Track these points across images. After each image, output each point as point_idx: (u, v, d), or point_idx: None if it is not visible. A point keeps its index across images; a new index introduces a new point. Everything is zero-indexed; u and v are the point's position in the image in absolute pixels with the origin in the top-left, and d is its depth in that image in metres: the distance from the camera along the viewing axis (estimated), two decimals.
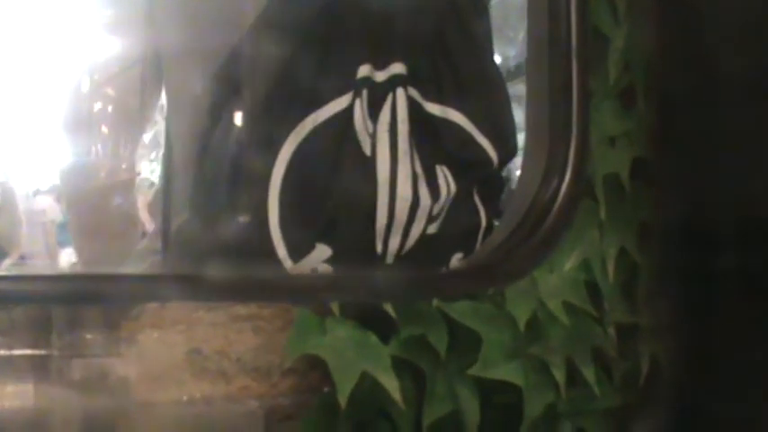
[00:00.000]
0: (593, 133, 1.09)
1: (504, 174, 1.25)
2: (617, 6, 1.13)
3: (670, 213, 1.19)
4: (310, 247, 1.13)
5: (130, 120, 1.33)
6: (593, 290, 1.10)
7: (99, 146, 1.32)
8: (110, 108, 1.32)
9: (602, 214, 1.10)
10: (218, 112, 1.19)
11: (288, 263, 1.14)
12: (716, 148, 1.20)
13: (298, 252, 1.14)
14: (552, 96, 1.10)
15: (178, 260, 1.21)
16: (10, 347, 0.86)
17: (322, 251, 1.13)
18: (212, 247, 1.14)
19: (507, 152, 1.20)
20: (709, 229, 1.20)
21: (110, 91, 1.31)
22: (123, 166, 1.35)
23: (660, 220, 1.18)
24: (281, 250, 1.14)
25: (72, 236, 1.46)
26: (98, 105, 1.32)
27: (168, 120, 1.29)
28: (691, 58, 1.21)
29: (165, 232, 1.25)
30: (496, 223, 1.23)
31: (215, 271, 1.11)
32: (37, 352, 0.86)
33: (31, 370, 0.86)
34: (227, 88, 1.18)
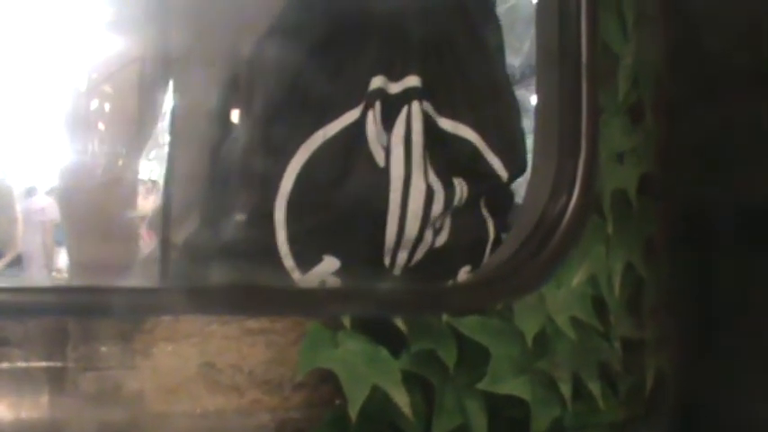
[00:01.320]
0: (602, 149, 1.10)
1: (512, 187, 1.26)
2: (626, 22, 1.13)
3: (675, 228, 1.20)
4: (318, 259, 1.14)
5: (129, 118, 1.32)
6: (599, 305, 1.11)
7: (96, 144, 1.32)
8: (107, 106, 1.31)
9: (610, 230, 1.11)
10: (229, 122, 1.19)
11: (296, 274, 1.14)
12: (722, 163, 1.21)
13: (306, 264, 1.14)
14: (562, 112, 1.11)
15: (185, 269, 1.21)
16: (25, 359, 0.86)
17: (330, 263, 1.13)
18: (221, 258, 1.15)
19: (517, 168, 1.20)
20: (712, 242, 1.21)
21: (107, 89, 1.31)
22: (120, 164, 1.34)
23: (665, 234, 1.19)
24: (289, 261, 1.14)
25: (66, 236, 1.45)
26: (95, 103, 1.32)
27: (173, 124, 1.29)
28: (697, 74, 1.22)
29: (164, 242, 1.25)
30: (504, 236, 1.23)
31: (225, 284, 1.12)
32: (52, 364, 0.87)
33: (46, 382, 0.86)
34: (239, 97, 1.19)
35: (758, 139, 1.18)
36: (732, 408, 1.16)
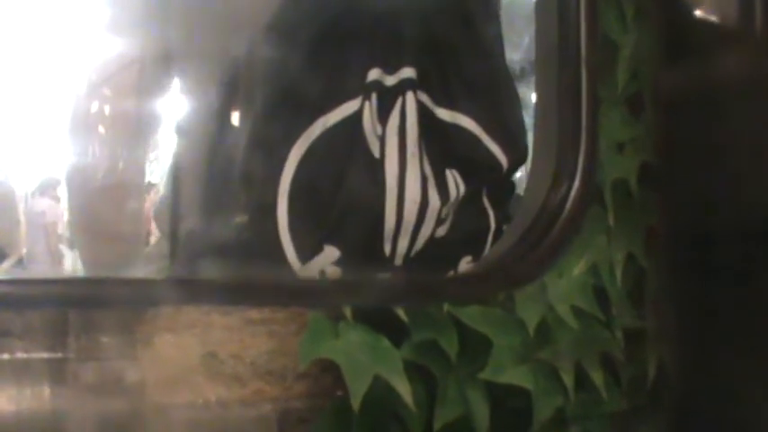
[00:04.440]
0: (602, 139, 1.10)
1: (513, 178, 1.26)
2: (625, 13, 1.14)
3: (675, 218, 1.20)
4: (318, 249, 1.14)
5: (128, 120, 1.33)
6: (601, 295, 1.11)
7: (97, 146, 1.33)
8: (107, 108, 1.32)
9: (611, 220, 1.11)
10: (228, 115, 1.20)
11: (296, 264, 1.14)
12: (720, 154, 1.21)
13: (306, 254, 1.14)
14: (561, 103, 1.11)
15: (188, 264, 1.21)
16: (26, 351, 0.86)
17: (330, 253, 1.13)
18: (222, 250, 1.15)
19: (517, 156, 1.20)
20: (713, 233, 1.21)
21: (107, 91, 1.31)
22: (120, 166, 1.35)
23: (666, 224, 1.19)
24: (290, 252, 1.14)
25: (74, 237, 1.46)
26: (95, 106, 1.32)
27: (178, 122, 1.29)
28: (695, 65, 1.22)
29: (173, 236, 1.26)
30: (505, 227, 1.23)
31: (227, 274, 1.12)
32: (53, 355, 0.87)
33: (48, 373, 0.87)
34: (238, 91, 1.19)
35: (757, 131, 1.18)
36: (734, 398, 1.16)
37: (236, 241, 1.14)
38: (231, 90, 1.21)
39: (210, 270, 1.15)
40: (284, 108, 1.13)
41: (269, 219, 1.12)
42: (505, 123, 1.20)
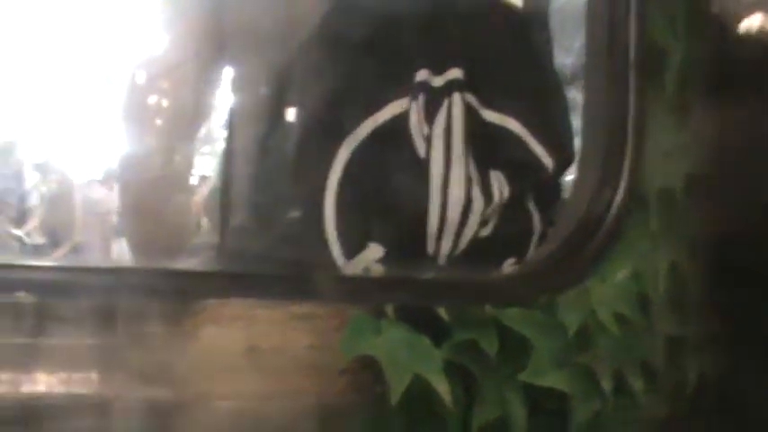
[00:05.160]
0: (649, 146, 1.10)
1: (560, 182, 1.26)
2: (676, 20, 1.14)
3: (720, 226, 1.20)
4: (363, 246, 1.15)
5: (185, 114, 1.35)
6: (643, 301, 1.11)
7: (153, 138, 1.35)
8: (164, 102, 1.34)
9: (654, 227, 1.11)
10: (281, 112, 1.22)
11: (341, 260, 1.16)
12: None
13: (351, 250, 1.16)
14: (609, 109, 1.11)
15: (235, 257, 1.24)
16: (77, 337, 0.88)
17: (375, 250, 1.15)
18: (269, 244, 1.17)
19: (563, 160, 1.21)
20: (758, 242, 1.20)
21: (164, 84, 1.33)
22: (177, 159, 1.37)
23: (711, 233, 1.18)
24: (335, 248, 1.16)
25: (124, 226, 1.48)
26: (153, 98, 1.34)
27: (231, 116, 1.32)
28: (745, 74, 1.22)
29: (222, 229, 1.28)
30: (549, 230, 1.24)
31: (273, 269, 1.14)
32: (102, 342, 0.89)
33: (97, 359, 0.89)
34: (290, 89, 1.21)
35: None
36: None
37: (283, 236, 1.16)
38: (283, 87, 1.23)
39: (256, 264, 1.17)
40: (334, 107, 1.15)
41: (316, 215, 1.14)
42: (551, 125, 1.21)
